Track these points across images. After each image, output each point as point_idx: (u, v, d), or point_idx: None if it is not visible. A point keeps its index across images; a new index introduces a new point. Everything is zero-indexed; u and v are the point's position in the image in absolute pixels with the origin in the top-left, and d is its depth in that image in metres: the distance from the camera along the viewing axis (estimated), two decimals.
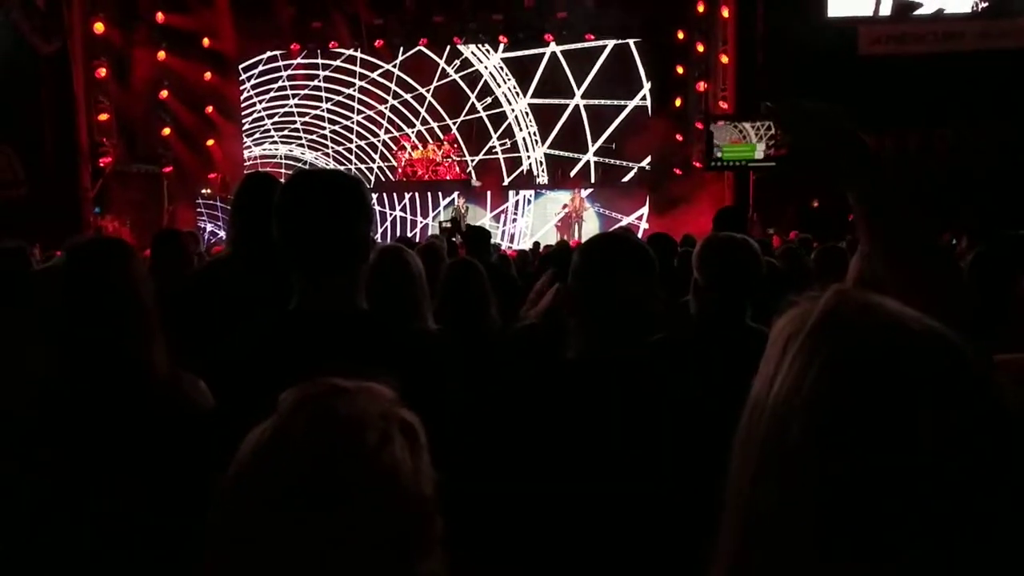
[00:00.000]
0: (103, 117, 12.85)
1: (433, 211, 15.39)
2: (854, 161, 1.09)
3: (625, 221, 14.23)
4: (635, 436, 1.40)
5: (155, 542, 1.38)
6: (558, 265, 2.62)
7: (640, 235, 9.57)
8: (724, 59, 12.66)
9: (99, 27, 12.49)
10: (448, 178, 15.52)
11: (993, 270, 2.86)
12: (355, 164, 15.67)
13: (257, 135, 16.17)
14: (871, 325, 0.67)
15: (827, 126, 1.10)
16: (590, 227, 14.14)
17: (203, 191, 14.71)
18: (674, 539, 0.78)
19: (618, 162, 14.89)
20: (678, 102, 14.05)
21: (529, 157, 15.37)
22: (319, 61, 15.65)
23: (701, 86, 13.41)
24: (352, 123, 15.94)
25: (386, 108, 15.71)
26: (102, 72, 12.69)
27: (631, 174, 14.83)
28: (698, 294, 2.25)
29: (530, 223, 15.15)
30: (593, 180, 14.94)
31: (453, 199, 14.77)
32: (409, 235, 14.17)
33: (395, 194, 15.54)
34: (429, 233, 12.81)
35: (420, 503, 0.77)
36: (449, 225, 11.43)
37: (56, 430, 1.46)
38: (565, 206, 14.62)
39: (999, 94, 11.24)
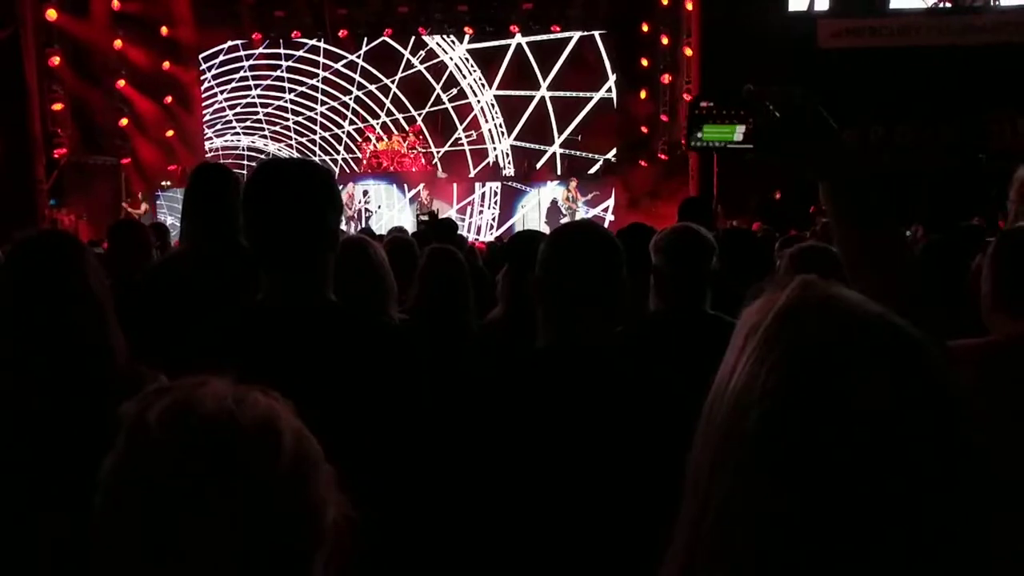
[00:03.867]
0: (57, 107, 12.45)
1: (398, 204, 15.28)
2: (825, 150, 1.11)
3: (591, 213, 14.28)
4: (606, 426, 1.40)
5: None
6: (519, 256, 2.59)
7: (607, 227, 9.63)
8: (688, 52, 12.76)
9: (52, 14, 12.11)
10: (413, 170, 15.42)
11: (946, 255, 3.01)
12: (319, 155, 15.47)
13: (219, 126, 15.87)
14: (829, 318, 0.68)
15: (804, 114, 1.10)
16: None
17: (163, 183, 14.39)
18: (643, 530, 0.78)
19: (584, 154, 14.93)
20: (643, 94, 14.14)
21: (495, 149, 15.34)
22: (281, 51, 15.40)
23: (666, 78, 13.51)
24: (316, 114, 15.74)
25: (350, 99, 15.54)
26: (56, 60, 12.30)
27: (597, 166, 14.89)
28: (657, 284, 2.28)
29: (496, 213, 15.13)
30: (559, 172, 14.96)
31: (418, 191, 14.68)
32: (374, 227, 14.04)
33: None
34: (394, 224, 12.71)
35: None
36: (427, 218, 11.40)
37: (14, 427, 1.42)
38: (567, 199, 14.29)
39: (957, 91, 11.50)
